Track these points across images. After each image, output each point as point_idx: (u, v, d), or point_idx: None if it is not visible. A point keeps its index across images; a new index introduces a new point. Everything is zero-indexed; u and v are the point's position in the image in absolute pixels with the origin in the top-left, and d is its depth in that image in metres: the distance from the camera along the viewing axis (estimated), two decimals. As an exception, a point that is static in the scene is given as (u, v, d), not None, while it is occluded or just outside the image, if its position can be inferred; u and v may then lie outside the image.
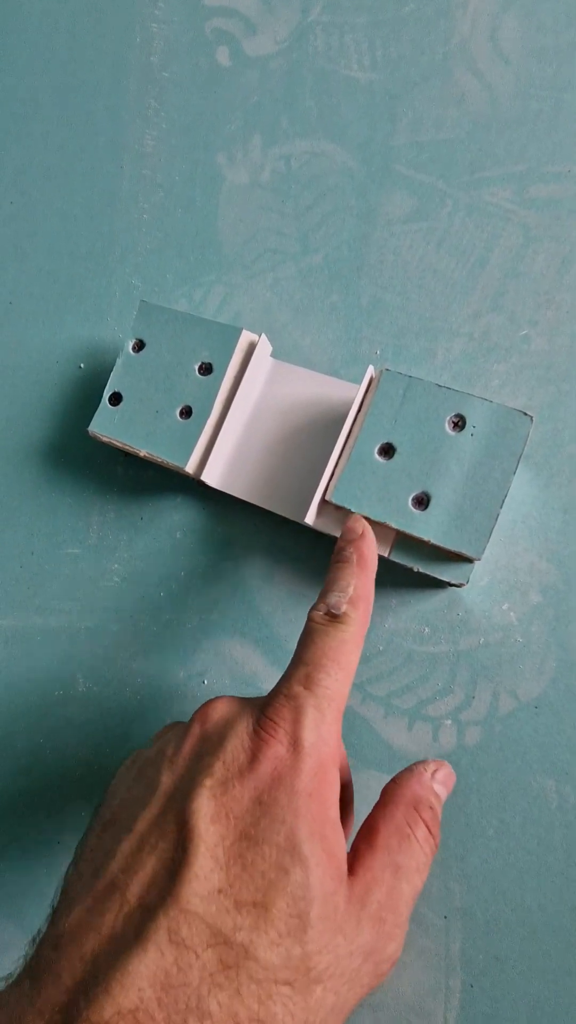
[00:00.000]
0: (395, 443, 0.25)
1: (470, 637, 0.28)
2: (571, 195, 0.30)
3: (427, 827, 0.21)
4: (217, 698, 0.22)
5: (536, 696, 0.28)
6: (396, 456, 0.25)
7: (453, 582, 0.26)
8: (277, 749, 0.19)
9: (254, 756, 0.19)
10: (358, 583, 0.23)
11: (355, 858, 0.20)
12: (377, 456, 0.25)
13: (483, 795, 0.28)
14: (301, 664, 0.21)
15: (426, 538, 0.24)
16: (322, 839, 0.18)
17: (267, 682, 0.30)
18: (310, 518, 0.26)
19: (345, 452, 0.26)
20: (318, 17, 0.33)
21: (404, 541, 0.26)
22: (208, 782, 0.19)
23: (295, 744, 0.19)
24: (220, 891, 0.17)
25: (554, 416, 0.29)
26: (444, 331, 0.30)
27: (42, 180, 0.36)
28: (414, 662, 0.29)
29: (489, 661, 0.28)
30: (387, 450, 0.25)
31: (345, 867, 0.19)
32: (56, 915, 0.19)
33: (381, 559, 0.27)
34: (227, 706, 0.22)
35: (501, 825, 0.27)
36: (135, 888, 0.17)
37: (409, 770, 0.23)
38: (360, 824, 0.22)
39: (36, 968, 0.17)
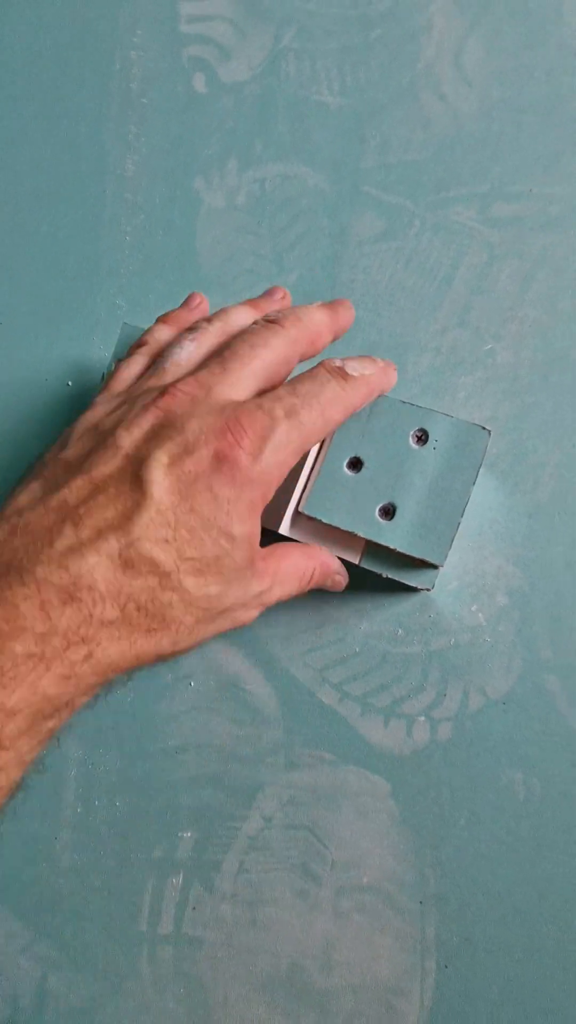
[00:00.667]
0: (363, 457, 0.27)
1: (441, 638, 0.30)
2: (532, 213, 0.31)
3: (308, 580, 0.26)
4: (183, 384, 0.22)
5: (504, 693, 0.29)
6: (364, 469, 0.27)
7: (420, 587, 0.27)
8: (238, 455, 0.21)
9: (216, 453, 0.21)
10: (376, 373, 0.24)
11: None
12: (346, 469, 0.27)
13: (455, 788, 0.29)
14: (293, 395, 0.22)
15: (392, 546, 0.26)
16: (250, 534, 0.21)
17: (251, 682, 0.32)
18: (284, 528, 0.27)
19: (317, 465, 0.27)
20: (290, 44, 0.35)
21: (373, 549, 0.27)
22: (166, 459, 0.20)
23: (256, 457, 0.21)
24: (167, 541, 0.20)
25: (519, 427, 0.30)
26: (413, 346, 0.32)
27: (30, 204, 0.37)
28: (389, 663, 0.30)
29: (459, 660, 0.30)
30: (355, 464, 0.27)
31: (259, 559, 0.23)
32: (6, 509, 0.21)
33: (353, 566, 0.28)
34: (197, 393, 0.22)
35: (472, 816, 0.29)
36: (88, 520, 0.20)
37: None
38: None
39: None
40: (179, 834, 0.32)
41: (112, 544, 0.19)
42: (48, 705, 0.19)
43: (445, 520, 0.25)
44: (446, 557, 0.26)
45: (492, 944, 0.28)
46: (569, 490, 0.29)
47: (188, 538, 0.20)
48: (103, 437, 0.22)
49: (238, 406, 0.22)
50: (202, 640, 0.23)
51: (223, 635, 0.33)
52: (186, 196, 0.35)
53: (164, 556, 0.20)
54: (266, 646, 0.32)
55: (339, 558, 0.28)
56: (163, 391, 0.22)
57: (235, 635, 0.32)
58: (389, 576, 0.27)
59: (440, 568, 0.26)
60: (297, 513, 0.28)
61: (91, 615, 0.19)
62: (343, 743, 0.30)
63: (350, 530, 0.26)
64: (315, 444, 0.23)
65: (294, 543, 0.26)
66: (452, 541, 0.25)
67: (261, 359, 0.23)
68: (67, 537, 0.19)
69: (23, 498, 0.21)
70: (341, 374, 0.23)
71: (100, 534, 0.19)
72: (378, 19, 0.33)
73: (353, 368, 0.24)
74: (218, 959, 0.31)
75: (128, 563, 0.19)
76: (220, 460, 0.20)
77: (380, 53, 0.33)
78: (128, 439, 0.21)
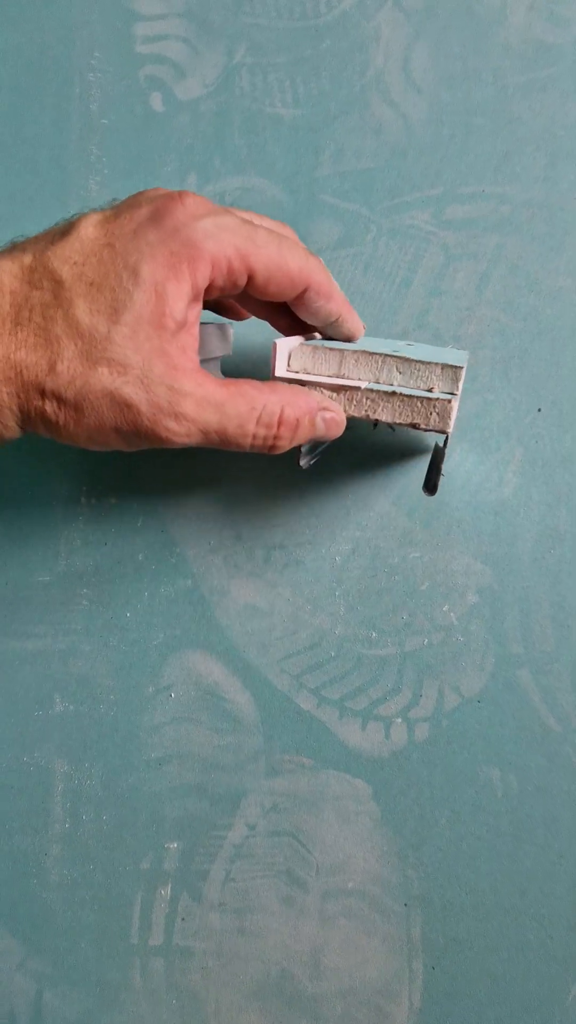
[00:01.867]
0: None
1: (415, 639, 0.30)
2: (485, 214, 0.31)
3: (278, 427, 0.23)
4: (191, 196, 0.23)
5: (478, 691, 0.29)
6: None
7: (435, 428, 0.24)
8: (175, 208, 0.21)
9: (155, 209, 0.21)
10: (319, 265, 0.24)
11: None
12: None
13: (434, 787, 0.29)
14: (259, 218, 0.24)
15: (410, 356, 0.24)
16: (159, 293, 0.21)
17: (229, 690, 0.32)
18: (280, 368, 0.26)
19: None
20: (242, 59, 0.35)
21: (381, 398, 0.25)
22: (110, 212, 0.22)
23: (194, 217, 0.21)
24: (74, 263, 0.21)
25: (481, 425, 0.30)
26: (375, 350, 0.32)
27: (-5, 230, 0.38)
28: (364, 665, 0.30)
29: (433, 660, 0.30)
30: None
31: (169, 328, 0.21)
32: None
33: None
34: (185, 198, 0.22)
35: (452, 815, 0.29)
36: (27, 244, 0.22)
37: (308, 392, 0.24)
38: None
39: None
40: (165, 845, 0.32)
41: (27, 256, 0.21)
42: None
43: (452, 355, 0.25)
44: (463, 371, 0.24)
45: (478, 943, 0.28)
46: (532, 485, 0.29)
47: (95, 264, 0.21)
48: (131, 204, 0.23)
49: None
50: (87, 399, 0.21)
51: (199, 645, 0.33)
52: (148, 213, 0.36)
53: (64, 271, 0.21)
54: (243, 653, 0.32)
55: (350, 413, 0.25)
56: (182, 195, 0.23)
57: (213, 643, 0.32)
58: (399, 421, 0.24)
59: (454, 403, 0.24)
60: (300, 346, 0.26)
61: (42, 301, 0.20)
62: (322, 748, 0.30)
63: (364, 349, 0.25)
64: (251, 263, 0.22)
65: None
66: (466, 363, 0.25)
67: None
68: (3, 250, 0.22)
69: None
70: (297, 243, 0.24)
71: (22, 250, 0.22)
72: (326, 30, 0.34)
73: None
74: (209, 969, 0.31)
75: (32, 273, 0.21)
76: (155, 213, 0.21)
77: (330, 64, 0.34)
78: (107, 211, 0.23)
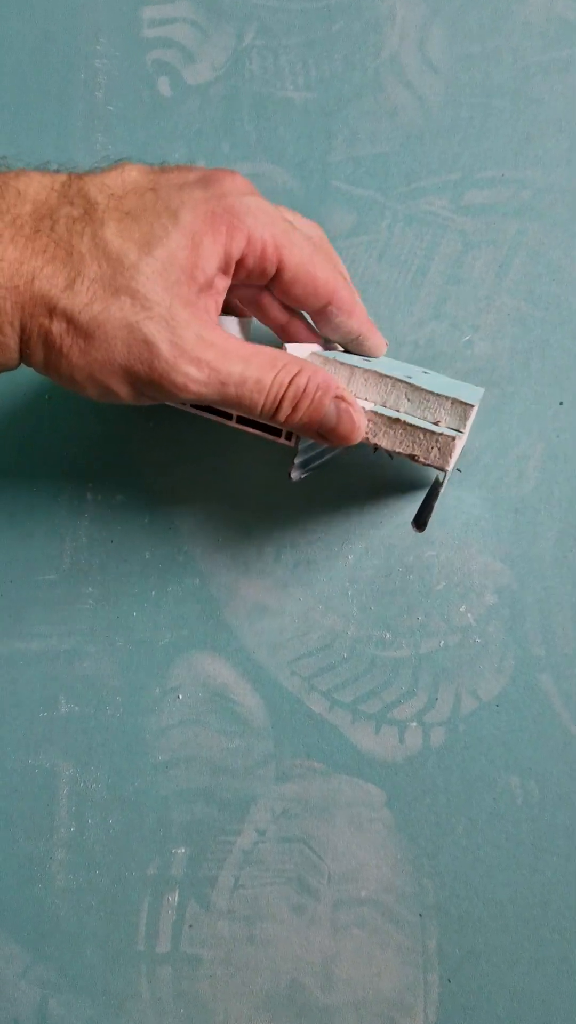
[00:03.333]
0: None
1: (430, 640, 0.29)
2: (505, 199, 0.30)
3: (289, 384, 0.22)
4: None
5: (497, 694, 0.28)
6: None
7: (436, 465, 0.24)
8: (222, 177, 0.21)
9: (203, 175, 0.21)
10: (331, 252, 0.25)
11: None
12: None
13: (451, 794, 0.28)
14: (297, 219, 0.24)
15: (421, 386, 0.23)
16: (194, 240, 0.20)
17: (238, 692, 0.31)
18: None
19: None
20: (252, 41, 0.34)
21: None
22: (158, 167, 0.22)
23: (241, 192, 0.21)
24: (112, 195, 0.21)
25: (500, 419, 0.29)
26: (390, 340, 0.31)
27: None
28: (377, 667, 0.29)
29: (450, 663, 0.29)
30: None
31: (198, 282, 0.21)
32: None
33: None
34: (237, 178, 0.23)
35: (470, 823, 0.28)
36: (75, 178, 0.21)
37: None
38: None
39: None
40: (172, 850, 0.31)
41: (62, 178, 0.21)
42: None
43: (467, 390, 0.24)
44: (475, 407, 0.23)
45: (496, 956, 0.27)
46: (554, 481, 0.28)
47: (134, 200, 0.20)
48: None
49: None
50: (101, 328, 0.20)
51: (207, 645, 0.32)
52: (155, 202, 0.35)
53: (100, 197, 0.20)
54: (253, 655, 0.31)
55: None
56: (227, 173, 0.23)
57: (218, 644, 0.32)
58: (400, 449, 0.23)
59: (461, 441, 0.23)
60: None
61: (6, 209, 0.20)
62: (334, 752, 0.30)
63: (377, 370, 0.24)
64: (288, 270, 0.22)
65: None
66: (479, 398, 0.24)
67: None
68: (37, 167, 0.21)
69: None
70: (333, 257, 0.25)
71: (57, 171, 0.21)
72: (339, 11, 0.33)
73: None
74: (217, 977, 0.30)
75: (65, 194, 0.20)
76: (205, 178, 0.21)
77: (343, 45, 0.33)
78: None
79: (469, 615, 0.29)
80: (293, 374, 0.22)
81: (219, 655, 0.32)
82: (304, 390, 0.22)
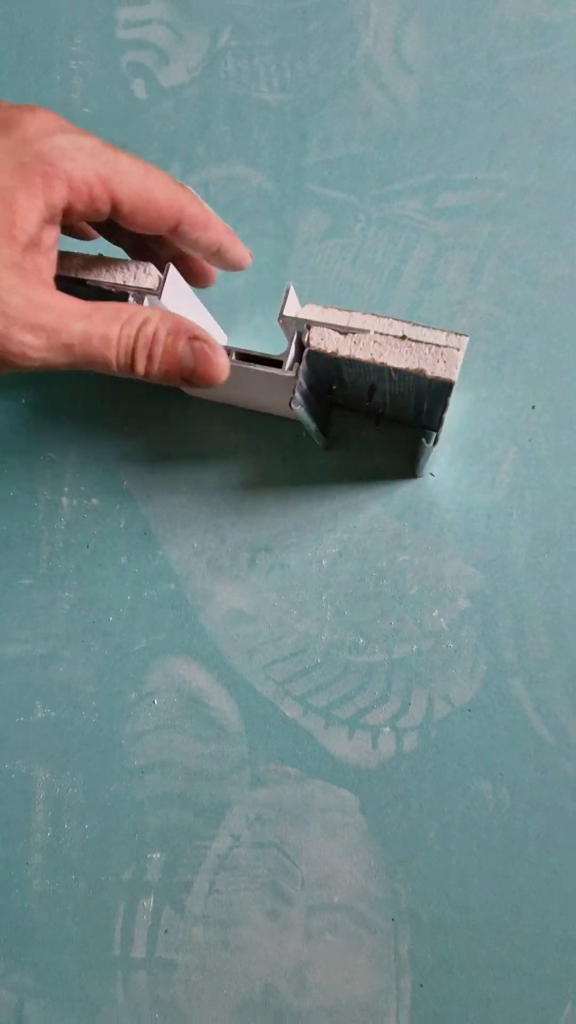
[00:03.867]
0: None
1: (403, 645, 0.29)
2: (479, 201, 0.30)
3: (138, 334, 0.21)
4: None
5: (469, 700, 0.28)
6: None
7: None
8: (27, 122, 0.19)
9: (1, 114, 0.19)
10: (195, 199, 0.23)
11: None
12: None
13: (423, 799, 0.28)
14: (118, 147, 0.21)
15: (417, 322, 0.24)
16: (4, 195, 0.19)
17: (213, 697, 0.31)
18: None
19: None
20: (227, 43, 0.34)
21: None
22: None
23: (47, 135, 0.19)
24: None
25: (472, 424, 0.29)
26: (363, 345, 0.31)
27: (-24, 223, 0.37)
28: (351, 673, 0.29)
29: (422, 668, 0.29)
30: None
31: (20, 242, 0.19)
32: None
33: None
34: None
35: (442, 828, 0.28)
36: None
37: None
38: None
39: None
40: (148, 855, 0.31)
41: None
42: None
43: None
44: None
45: (468, 961, 0.27)
46: (527, 486, 0.28)
47: None
48: None
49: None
50: None
51: (183, 650, 0.32)
52: (131, 204, 0.35)
53: None
54: (227, 660, 0.31)
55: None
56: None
57: (196, 649, 0.31)
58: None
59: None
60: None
61: None
62: (308, 757, 0.29)
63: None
64: (124, 203, 0.20)
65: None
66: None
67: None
68: None
69: None
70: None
71: None
72: (314, 11, 0.33)
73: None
74: (192, 983, 0.30)
75: None
76: (1, 123, 0.19)
77: (318, 46, 0.32)
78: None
79: (442, 620, 0.29)
80: (139, 323, 0.20)
81: (194, 660, 0.31)
82: (154, 337, 0.21)
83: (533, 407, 0.28)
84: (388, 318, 0.24)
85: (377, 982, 0.28)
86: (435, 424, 0.25)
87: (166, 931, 0.31)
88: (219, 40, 0.34)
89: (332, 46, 0.32)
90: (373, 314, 0.24)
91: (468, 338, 0.24)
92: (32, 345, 0.19)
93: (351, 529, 0.30)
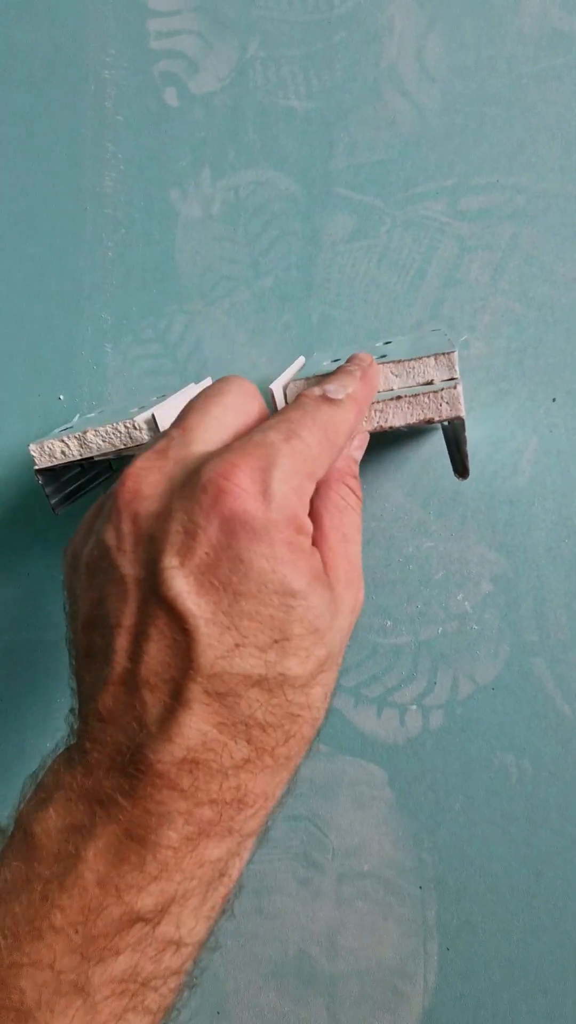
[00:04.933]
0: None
1: (429, 627, 0.30)
2: (499, 204, 0.31)
3: (354, 492, 0.22)
4: (140, 467, 0.19)
5: (492, 678, 0.30)
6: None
7: (445, 417, 0.24)
8: (244, 503, 0.17)
9: (220, 516, 0.17)
10: (358, 386, 0.22)
11: (314, 546, 0.20)
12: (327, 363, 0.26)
13: (449, 773, 0.30)
14: (283, 420, 0.19)
15: (399, 357, 0.24)
16: (309, 571, 0.18)
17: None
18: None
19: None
20: (256, 53, 0.35)
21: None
22: (172, 562, 0.17)
23: (265, 495, 0.17)
24: (238, 646, 0.17)
25: (495, 415, 0.30)
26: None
27: (11, 227, 0.38)
28: (379, 654, 0.31)
29: (448, 649, 0.30)
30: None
31: (319, 563, 0.19)
32: (83, 710, 0.18)
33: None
34: (157, 474, 0.18)
35: (467, 800, 0.29)
36: (154, 677, 0.17)
37: None
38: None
39: (85, 736, 0.17)
40: (185, 828, 0.33)
41: (194, 690, 0.16)
42: (214, 869, 0.17)
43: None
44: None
45: (492, 925, 0.29)
46: (548, 474, 0.30)
47: (255, 626, 0.17)
48: (99, 570, 0.18)
49: (219, 452, 0.18)
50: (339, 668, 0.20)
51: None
52: (163, 208, 0.36)
53: (246, 663, 0.17)
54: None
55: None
56: (121, 481, 0.18)
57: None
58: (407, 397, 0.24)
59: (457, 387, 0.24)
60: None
61: (223, 766, 0.17)
62: (338, 734, 0.31)
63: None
64: (323, 472, 0.20)
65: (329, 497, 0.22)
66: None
67: (221, 403, 0.20)
68: (151, 706, 0.17)
69: (88, 680, 0.18)
70: (326, 400, 0.20)
71: (176, 686, 0.16)
72: (340, 22, 0.34)
73: (335, 391, 0.21)
74: (227, 948, 0.32)
75: (221, 696, 0.17)
76: (228, 521, 0.17)
77: (344, 56, 0.34)
78: (124, 559, 0.18)
79: (466, 603, 0.30)
80: (348, 492, 0.22)
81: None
82: (357, 488, 0.23)
83: (554, 400, 0.30)
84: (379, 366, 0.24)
85: (405, 946, 0.30)
86: (458, 462, 0.26)
87: (202, 900, 0.32)
88: (248, 50, 0.35)
89: (357, 56, 0.34)
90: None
91: (456, 352, 0.24)
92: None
93: (377, 517, 0.32)
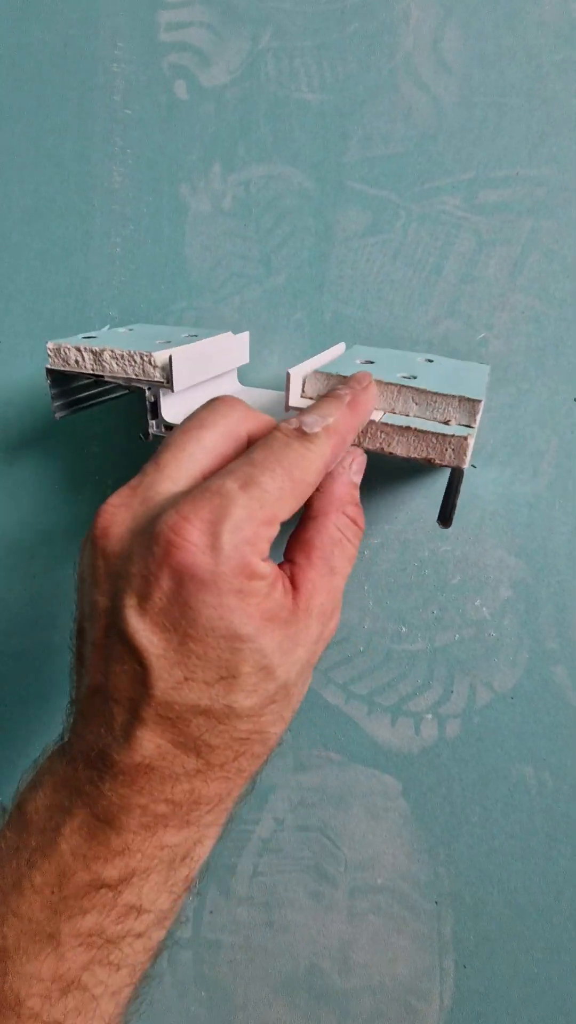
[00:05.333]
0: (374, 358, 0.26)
1: (445, 633, 0.29)
2: (519, 198, 0.30)
3: (354, 522, 0.22)
4: (112, 504, 0.20)
5: (511, 687, 0.29)
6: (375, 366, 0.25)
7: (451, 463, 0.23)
8: (192, 558, 0.18)
9: (171, 566, 0.18)
10: (340, 417, 0.21)
11: (295, 572, 0.21)
12: (359, 362, 0.26)
13: (466, 784, 0.29)
14: (248, 464, 0.19)
15: (426, 387, 0.24)
16: (259, 615, 0.19)
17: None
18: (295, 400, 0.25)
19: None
20: (268, 44, 0.35)
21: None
22: (130, 601, 0.18)
23: (214, 548, 0.18)
24: (186, 679, 0.18)
25: (515, 415, 0.30)
26: (404, 339, 0.31)
27: (20, 223, 0.38)
28: (393, 660, 0.30)
29: (465, 656, 0.29)
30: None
31: (282, 599, 0.19)
32: (73, 708, 0.21)
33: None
34: (125, 513, 0.20)
35: (484, 812, 0.28)
36: (117, 692, 0.19)
37: (330, 475, 0.22)
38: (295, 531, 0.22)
39: (71, 731, 0.20)
40: (193, 838, 0.32)
41: (149, 712, 0.18)
42: (174, 852, 0.19)
43: (472, 377, 0.24)
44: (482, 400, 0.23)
45: (511, 942, 0.28)
46: (568, 477, 0.29)
47: (203, 664, 0.18)
48: (83, 591, 0.21)
49: (178, 498, 0.19)
50: (305, 688, 0.21)
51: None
52: (173, 204, 0.36)
53: (193, 695, 0.18)
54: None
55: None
56: (97, 515, 0.20)
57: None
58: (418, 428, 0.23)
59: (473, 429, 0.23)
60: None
61: (176, 773, 0.19)
62: (351, 743, 0.30)
63: (380, 379, 0.24)
64: (290, 513, 0.20)
65: (311, 517, 0.22)
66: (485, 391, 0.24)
67: (198, 439, 0.20)
68: (117, 716, 0.19)
69: (77, 683, 0.21)
70: (298, 436, 0.20)
71: (134, 706, 0.19)
72: (354, 13, 0.33)
73: (312, 423, 0.20)
74: (237, 962, 0.31)
75: (171, 719, 0.18)
76: (177, 573, 0.18)
77: (358, 47, 0.33)
78: (96, 590, 0.19)
79: (484, 609, 0.29)
80: (345, 523, 0.22)
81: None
82: (357, 515, 0.23)
83: (575, 399, 0.29)
84: (395, 385, 0.24)
85: (420, 962, 0.29)
86: (446, 508, 0.25)
87: (211, 912, 0.31)
88: (260, 42, 0.35)
89: (372, 47, 0.33)
90: (380, 381, 0.24)
91: (483, 402, 0.23)
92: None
93: (392, 520, 0.31)
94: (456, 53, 0.32)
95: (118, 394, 0.33)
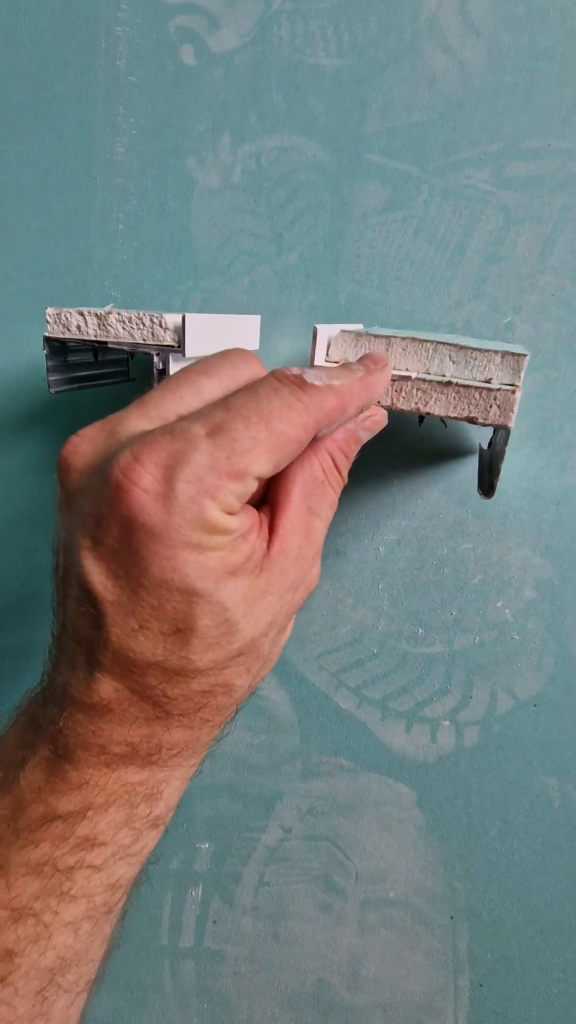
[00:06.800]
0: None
1: (465, 636, 0.28)
2: (551, 171, 0.28)
3: (338, 471, 0.20)
4: (79, 435, 0.19)
5: (535, 694, 0.27)
6: None
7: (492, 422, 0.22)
8: (141, 506, 0.16)
9: (121, 511, 0.17)
10: (349, 384, 0.19)
11: (274, 513, 0.19)
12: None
13: (484, 796, 0.27)
14: (223, 408, 0.18)
15: (465, 343, 0.22)
16: (218, 568, 0.17)
17: (264, 687, 0.30)
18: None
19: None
20: (281, 5, 0.32)
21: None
22: (85, 543, 0.17)
23: (166, 497, 0.16)
24: (141, 627, 0.17)
25: (542, 405, 0.28)
26: (425, 323, 0.29)
27: (17, 199, 0.36)
28: (409, 664, 0.28)
29: (485, 660, 0.28)
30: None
31: (250, 551, 0.18)
32: (49, 649, 0.20)
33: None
34: (89, 446, 0.19)
35: (504, 825, 0.27)
36: (78, 634, 0.18)
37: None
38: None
39: (45, 672, 0.20)
40: (196, 845, 0.30)
41: (106, 656, 0.18)
42: (136, 790, 0.19)
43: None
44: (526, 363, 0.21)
45: (530, 961, 0.27)
46: (601, 472, 0.27)
47: (156, 615, 0.17)
48: (56, 526, 0.20)
49: (134, 440, 0.17)
50: (282, 639, 0.21)
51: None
52: (179, 177, 0.34)
53: (146, 646, 0.18)
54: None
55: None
56: (63, 446, 0.19)
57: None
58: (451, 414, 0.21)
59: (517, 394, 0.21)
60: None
61: (134, 716, 0.18)
62: (363, 750, 0.29)
63: (414, 336, 0.22)
64: (270, 468, 0.18)
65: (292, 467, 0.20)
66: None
67: (194, 383, 0.19)
68: (79, 656, 0.18)
69: (53, 624, 0.20)
70: (296, 381, 0.18)
71: (91, 648, 0.18)
72: (375, -30, 0.31)
73: (315, 376, 0.19)
74: (241, 974, 0.30)
75: (127, 667, 0.18)
76: (127, 520, 0.17)
77: (378, 7, 0.31)
78: (60, 526, 0.19)
79: (506, 611, 0.27)
80: (329, 461, 0.21)
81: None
82: (343, 463, 0.21)
83: (608, 389, 0.27)
84: (431, 342, 0.22)
85: (434, 979, 0.27)
86: (486, 478, 0.23)
87: (215, 922, 0.30)
88: (272, 3, 0.32)
89: (393, 8, 0.31)
90: (414, 339, 0.22)
91: (528, 356, 0.21)
92: (315, 577, 0.21)
93: (410, 515, 0.29)
94: (485, 14, 0.29)
95: (116, 379, 0.31)
